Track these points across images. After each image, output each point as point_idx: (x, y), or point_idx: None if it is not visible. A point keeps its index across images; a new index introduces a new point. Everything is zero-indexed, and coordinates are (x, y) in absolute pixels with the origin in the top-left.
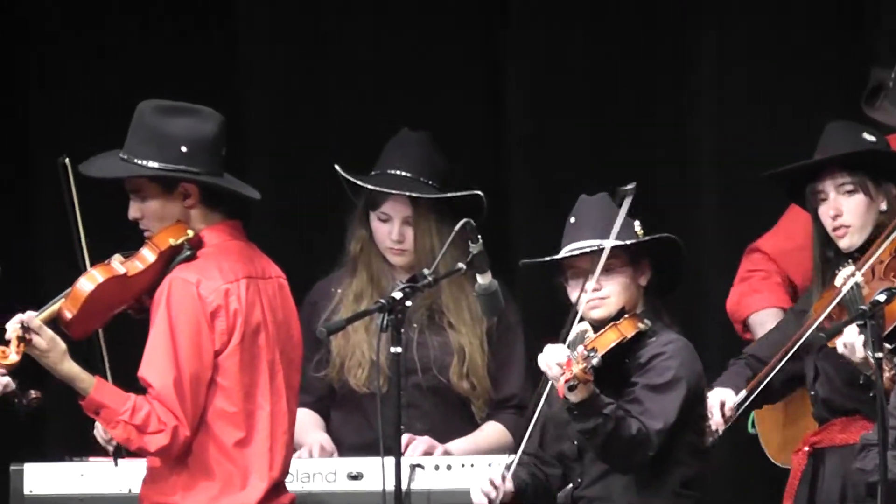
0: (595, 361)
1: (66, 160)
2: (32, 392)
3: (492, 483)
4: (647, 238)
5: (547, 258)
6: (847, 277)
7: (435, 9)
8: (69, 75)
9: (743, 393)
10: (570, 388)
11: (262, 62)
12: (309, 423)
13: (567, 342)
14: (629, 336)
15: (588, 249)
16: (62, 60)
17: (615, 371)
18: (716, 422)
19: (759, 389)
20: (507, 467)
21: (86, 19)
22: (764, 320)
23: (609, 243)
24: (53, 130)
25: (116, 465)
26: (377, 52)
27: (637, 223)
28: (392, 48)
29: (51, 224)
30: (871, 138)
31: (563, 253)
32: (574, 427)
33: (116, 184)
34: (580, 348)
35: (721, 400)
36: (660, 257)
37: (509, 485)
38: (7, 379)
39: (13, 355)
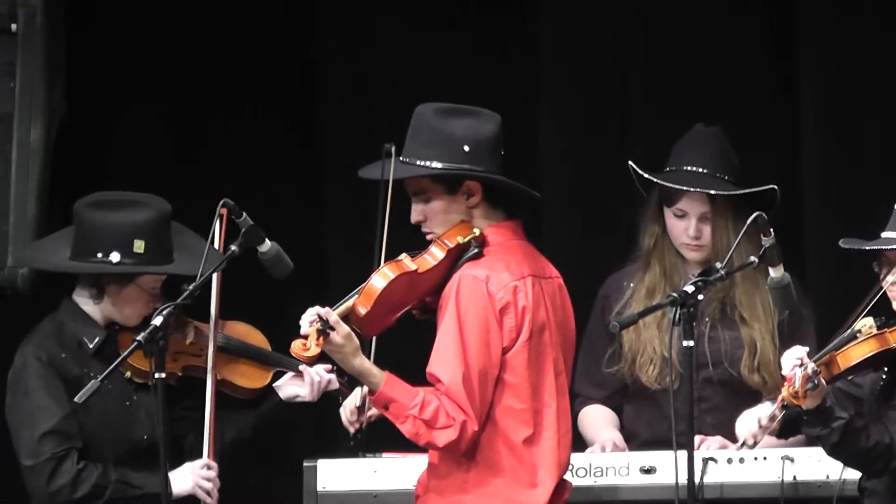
0: (811, 386)
1: (393, 147)
2: (359, 389)
3: (759, 422)
4: None
5: (858, 246)
6: None
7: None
8: (353, 79)
9: None
10: (783, 407)
11: (557, 65)
12: (603, 420)
13: (826, 348)
14: None
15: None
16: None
17: None
18: None
19: None
20: (783, 407)
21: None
22: None
23: None
24: (341, 134)
25: (352, 444)
26: (661, 47)
27: None
28: (677, 43)
29: (340, 225)
30: None
31: (876, 241)
32: (803, 430)
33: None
34: (810, 367)
35: None
36: None
37: (776, 424)
38: (333, 376)
39: (314, 348)
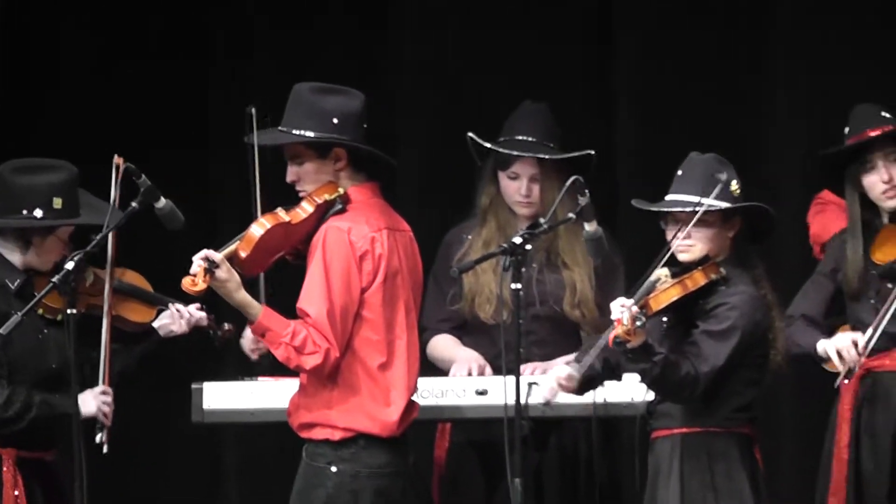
0: (639, 324)
1: (253, 110)
2: (226, 325)
3: (557, 381)
4: (737, 205)
5: (651, 207)
6: None
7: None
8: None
9: (870, 331)
10: (616, 343)
11: (413, 63)
12: (454, 343)
13: (636, 295)
14: (694, 289)
15: (684, 209)
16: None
17: (690, 311)
18: (853, 359)
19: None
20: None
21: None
22: None
23: (700, 206)
24: (231, 101)
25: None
26: (500, 34)
27: (735, 182)
28: (512, 36)
29: (228, 179)
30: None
31: (664, 203)
32: (627, 367)
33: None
34: (634, 308)
35: (853, 339)
36: (751, 215)
37: (573, 383)
38: (202, 314)
39: (201, 283)
